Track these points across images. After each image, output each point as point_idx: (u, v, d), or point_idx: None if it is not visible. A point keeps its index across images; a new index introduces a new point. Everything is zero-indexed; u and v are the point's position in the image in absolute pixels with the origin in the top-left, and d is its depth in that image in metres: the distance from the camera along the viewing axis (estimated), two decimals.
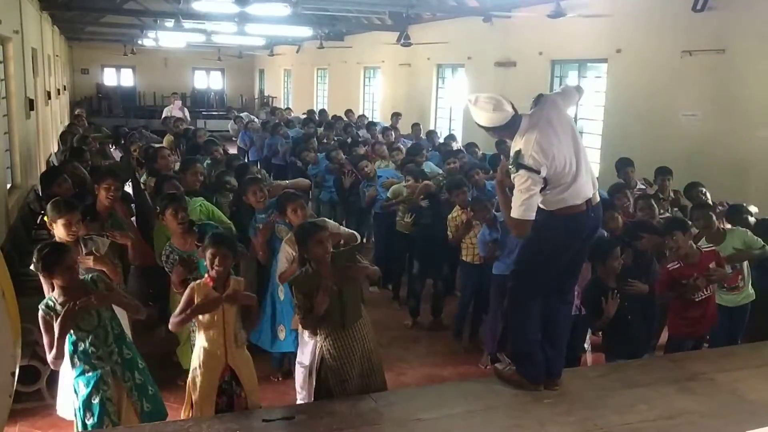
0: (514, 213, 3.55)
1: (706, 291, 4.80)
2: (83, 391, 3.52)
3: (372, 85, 19.22)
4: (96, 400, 3.49)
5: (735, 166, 6.85)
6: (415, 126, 11.92)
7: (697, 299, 4.77)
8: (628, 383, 4.10)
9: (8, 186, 8.92)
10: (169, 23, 16.62)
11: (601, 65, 10.32)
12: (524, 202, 3.49)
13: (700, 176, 6.64)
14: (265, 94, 28.12)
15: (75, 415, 3.60)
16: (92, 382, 3.51)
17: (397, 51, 14.61)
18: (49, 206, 4.31)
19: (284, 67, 26.41)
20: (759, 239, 5.17)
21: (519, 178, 3.51)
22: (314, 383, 3.97)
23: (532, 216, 3.52)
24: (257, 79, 30.71)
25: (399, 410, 3.71)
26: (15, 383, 4.42)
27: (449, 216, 6.23)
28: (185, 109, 16.20)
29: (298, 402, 4.73)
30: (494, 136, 4.13)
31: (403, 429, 3.52)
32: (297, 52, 22.69)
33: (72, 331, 3.48)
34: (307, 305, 3.74)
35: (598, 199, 3.81)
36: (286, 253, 4.65)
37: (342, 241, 4.52)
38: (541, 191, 3.54)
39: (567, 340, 4.10)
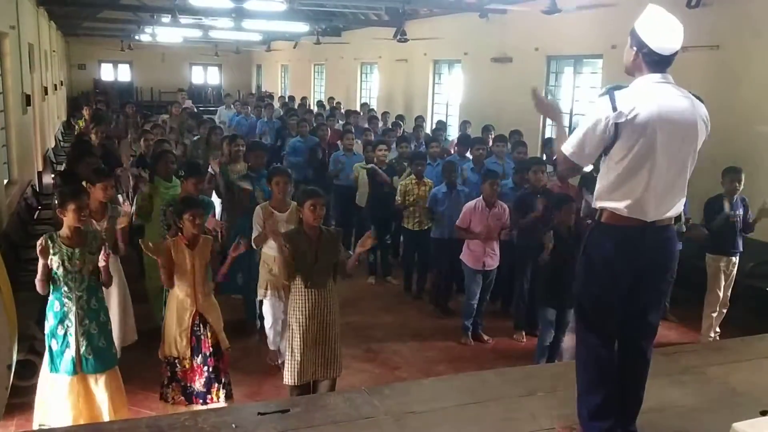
0: (566, 147, 3.03)
1: None
2: (51, 322, 4.13)
3: (369, 81, 19.23)
4: (61, 333, 4.11)
5: (729, 161, 6.86)
6: (417, 119, 12.04)
7: None
8: None
9: (5, 181, 8.93)
10: (166, 18, 16.62)
11: (597, 61, 10.35)
12: (580, 138, 2.97)
13: (694, 172, 6.65)
14: (263, 89, 28.10)
15: (45, 339, 4.20)
16: (59, 317, 4.11)
17: (394, 47, 14.61)
18: (92, 171, 5.31)
19: (281, 63, 26.41)
20: None
21: (593, 107, 3.00)
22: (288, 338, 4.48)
23: (578, 162, 3.03)
24: (255, 74, 30.70)
25: (393, 403, 3.73)
26: (12, 376, 4.47)
27: (401, 182, 7.51)
28: (193, 106, 17.18)
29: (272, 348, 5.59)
30: (625, 54, 3.10)
31: (398, 422, 3.53)
32: (294, 47, 22.67)
33: (57, 268, 4.06)
34: (290, 258, 4.29)
35: (669, 224, 3.09)
36: (258, 219, 5.35)
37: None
38: (607, 150, 2.97)
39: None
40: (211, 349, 4.42)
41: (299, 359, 4.31)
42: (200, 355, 4.38)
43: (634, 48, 2.99)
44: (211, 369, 4.41)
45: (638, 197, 2.96)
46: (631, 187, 2.96)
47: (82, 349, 4.13)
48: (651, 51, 2.93)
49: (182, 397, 4.40)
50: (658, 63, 2.96)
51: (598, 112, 2.93)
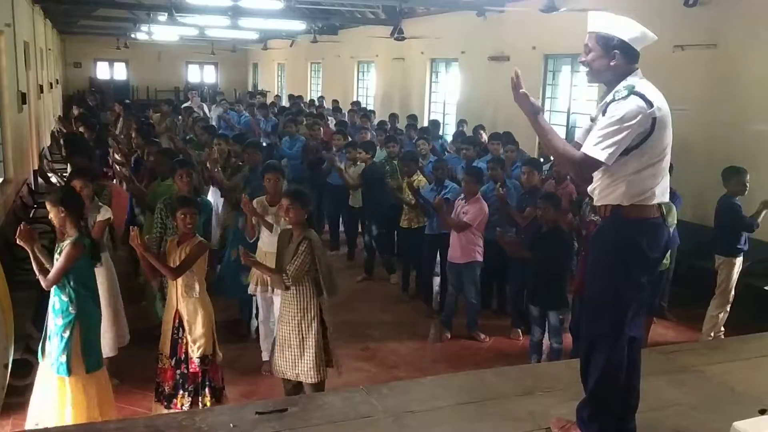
0: (596, 152, 2.84)
1: None
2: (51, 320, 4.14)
3: (366, 80, 19.19)
4: (66, 334, 4.06)
5: (725, 160, 6.86)
6: (410, 117, 12.04)
7: None
8: None
9: (0, 180, 8.90)
10: (162, 17, 16.57)
11: None
12: (616, 140, 2.81)
13: (690, 171, 6.69)
14: (259, 88, 28.05)
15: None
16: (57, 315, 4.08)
17: (391, 45, 14.60)
18: (71, 170, 5.56)
19: (278, 61, 26.35)
20: None
21: (622, 107, 2.84)
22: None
23: (610, 161, 2.85)
24: (251, 73, 30.63)
25: (392, 402, 3.72)
26: (8, 376, 4.45)
27: (406, 180, 7.35)
28: (204, 105, 17.05)
29: (264, 359, 5.57)
30: (597, 61, 3.03)
31: (396, 421, 3.53)
32: (291, 46, 22.64)
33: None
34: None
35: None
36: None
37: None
38: (637, 146, 2.87)
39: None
40: (184, 354, 4.31)
41: (274, 353, 4.46)
42: (174, 358, 4.31)
43: (615, 52, 2.96)
44: (179, 375, 4.30)
45: (666, 187, 3.03)
46: (663, 179, 3.00)
47: (73, 350, 4.04)
48: (631, 48, 2.97)
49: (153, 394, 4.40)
50: (635, 59, 3.01)
51: (634, 110, 2.83)
